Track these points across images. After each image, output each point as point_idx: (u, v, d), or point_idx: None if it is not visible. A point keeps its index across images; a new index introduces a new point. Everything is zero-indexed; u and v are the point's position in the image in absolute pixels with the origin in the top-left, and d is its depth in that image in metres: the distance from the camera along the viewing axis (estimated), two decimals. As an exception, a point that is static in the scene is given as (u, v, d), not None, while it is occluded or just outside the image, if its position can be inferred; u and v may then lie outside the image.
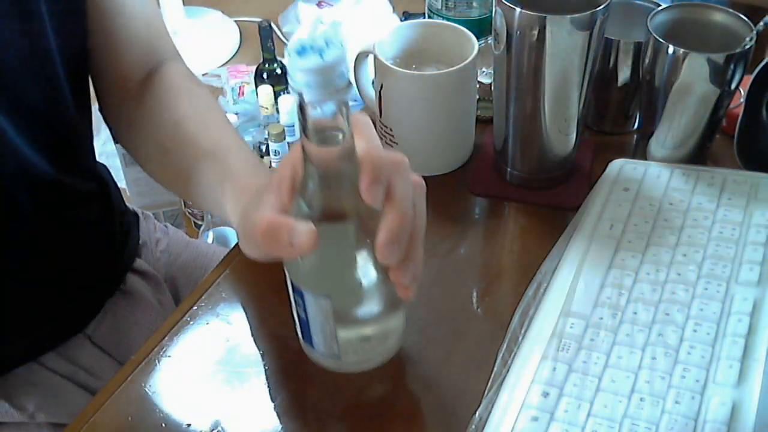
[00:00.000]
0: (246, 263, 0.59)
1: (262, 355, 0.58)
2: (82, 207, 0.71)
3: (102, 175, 0.76)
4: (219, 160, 0.60)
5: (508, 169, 0.70)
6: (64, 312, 0.72)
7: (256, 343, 0.59)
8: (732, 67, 0.63)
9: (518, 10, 0.60)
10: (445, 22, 0.76)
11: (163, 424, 0.54)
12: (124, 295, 0.77)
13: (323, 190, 0.45)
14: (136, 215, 0.82)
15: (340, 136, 0.43)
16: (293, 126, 1.67)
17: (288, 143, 1.63)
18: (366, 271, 0.48)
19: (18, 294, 0.67)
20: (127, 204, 0.81)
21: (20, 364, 0.70)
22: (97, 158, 0.76)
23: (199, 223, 1.67)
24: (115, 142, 0.77)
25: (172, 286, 0.83)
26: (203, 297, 0.62)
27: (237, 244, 0.69)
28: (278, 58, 1.94)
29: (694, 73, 0.64)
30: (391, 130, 0.71)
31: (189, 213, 1.70)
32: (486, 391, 0.54)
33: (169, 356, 0.58)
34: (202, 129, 0.63)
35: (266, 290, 0.62)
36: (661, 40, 0.64)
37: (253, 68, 1.98)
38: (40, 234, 0.66)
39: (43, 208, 0.66)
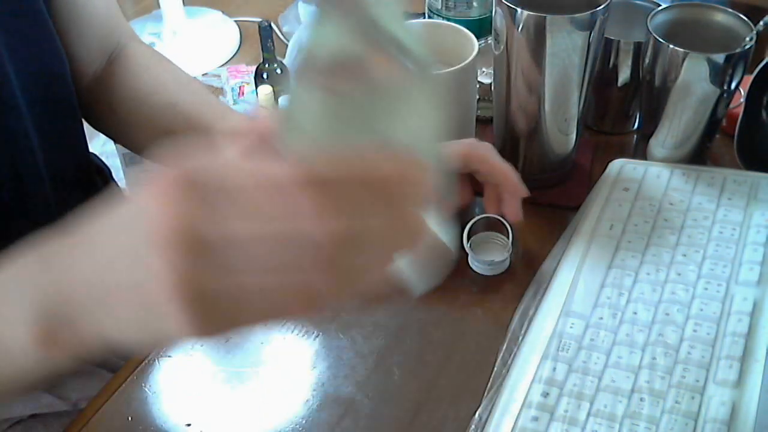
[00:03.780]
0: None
1: (262, 355, 0.58)
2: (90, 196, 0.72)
3: (101, 166, 0.77)
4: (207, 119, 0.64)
5: (508, 169, 0.70)
6: None
7: (256, 343, 0.59)
8: (732, 67, 0.63)
9: (518, 10, 0.60)
10: (445, 22, 0.76)
11: (163, 424, 0.54)
12: None
13: None
14: None
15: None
16: (293, 126, 1.67)
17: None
18: None
19: None
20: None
21: None
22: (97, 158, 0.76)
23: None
24: (115, 142, 0.78)
25: None
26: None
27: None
28: (278, 58, 1.93)
29: (694, 73, 0.64)
30: (391, 130, 0.71)
31: (189, 213, 1.70)
32: (486, 391, 0.54)
33: (169, 356, 0.58)
34: (187, 94, 0.67)
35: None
36: (661, 40, 0.64)
37: (253, 68, 1.96)
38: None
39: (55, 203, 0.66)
